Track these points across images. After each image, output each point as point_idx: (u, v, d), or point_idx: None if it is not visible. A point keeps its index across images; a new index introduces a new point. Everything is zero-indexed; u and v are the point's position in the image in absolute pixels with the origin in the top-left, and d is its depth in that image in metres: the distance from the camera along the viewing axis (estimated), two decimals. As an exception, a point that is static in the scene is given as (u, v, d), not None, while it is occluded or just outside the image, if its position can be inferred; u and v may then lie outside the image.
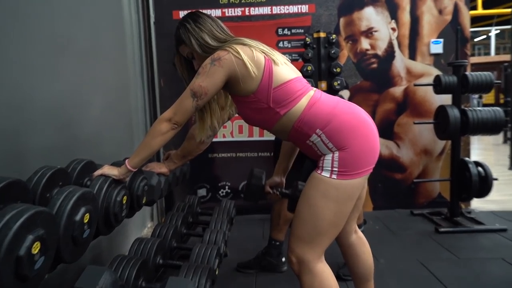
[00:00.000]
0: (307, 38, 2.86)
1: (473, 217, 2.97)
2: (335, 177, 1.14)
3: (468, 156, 3.32)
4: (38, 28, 1.68)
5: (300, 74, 1.31)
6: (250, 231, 2.97)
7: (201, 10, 1.37)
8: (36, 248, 0.78)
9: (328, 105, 1.20)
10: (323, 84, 2.86)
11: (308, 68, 2.80)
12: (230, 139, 3.32)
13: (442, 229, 2.74)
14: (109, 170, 1.22)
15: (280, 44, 3.26)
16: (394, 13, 3.25)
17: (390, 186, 3.35)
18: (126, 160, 1.23)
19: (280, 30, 3.26)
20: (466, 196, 2.91)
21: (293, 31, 3.25)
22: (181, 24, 1.32)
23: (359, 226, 1.89)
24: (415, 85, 3.13)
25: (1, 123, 1.40)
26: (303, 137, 1.21)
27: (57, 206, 0.92)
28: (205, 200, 3.38)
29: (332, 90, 2.85)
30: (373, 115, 3.27)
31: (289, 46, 3.26)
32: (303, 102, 1.20)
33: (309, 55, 2.84)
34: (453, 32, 3.15)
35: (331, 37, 2.85)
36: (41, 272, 0.82)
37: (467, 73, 2.87)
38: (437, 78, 2.91)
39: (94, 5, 2.33)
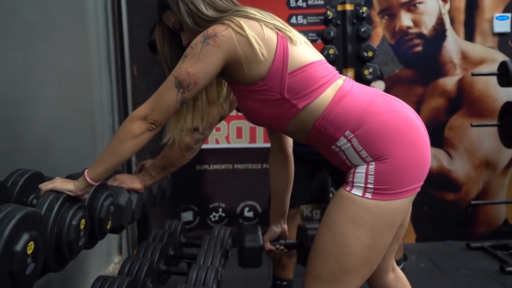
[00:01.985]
0: (328, 12, 2.86)
1: (551, 252, 2.94)
2: (370, 197, 1.12)
3: (545, 170, 3.30)
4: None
5: (323, 58, 1.30)
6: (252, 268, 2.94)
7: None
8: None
9: (362, 100, 1.18)
10: (350, 73, 2.86)
11: (330, 52, 2.80)
12: (226, 145, 3.31)
13: (510, 268, 2.70)
14: (62, 184, 1.21)
15: (293, 20, 3.26)
16: (445, -21, 3.26)
17: (439, 210, 3.33)
18: (86, 171, 1.21)
19: (292, 2, 3.27)
20: (542, 224, 2.89)
21: (309, 2, 3.27)
22: None
23: (398, 263, 1.86)
24: (474, 74, 3.11)
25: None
26: (327, 141, 1.19)
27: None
28: (191, 226, 3.37)
29: (361, 81, 2.85)
30: (416, 115, 3.26)
31: (305, 22, 3.27)
32: (329, 93, 1.18)
33: (331, 35, 2.84)
34: (524, 4, 3.15)
35: (360, 11, 2.85)
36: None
37: (543, 59, 2.86)
38: (503, 65, 2.90)
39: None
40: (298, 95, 1.17)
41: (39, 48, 2.18)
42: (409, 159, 1.13)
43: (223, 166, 3.37)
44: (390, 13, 3.28)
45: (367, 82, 2.81)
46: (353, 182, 1.14)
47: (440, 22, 3.28)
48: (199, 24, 1.23)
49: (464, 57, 3.29)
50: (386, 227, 1.15)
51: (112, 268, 3.03)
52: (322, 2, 3.24)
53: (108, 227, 1.43)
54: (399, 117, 1.16)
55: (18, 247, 0.94)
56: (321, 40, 2.96)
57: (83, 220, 1.22)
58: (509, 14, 3.26)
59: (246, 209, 3.39)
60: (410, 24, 3.28)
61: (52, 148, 2.27)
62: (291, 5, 3.28)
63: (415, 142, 1.15)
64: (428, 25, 3.28)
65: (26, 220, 0.98)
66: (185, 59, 1.17)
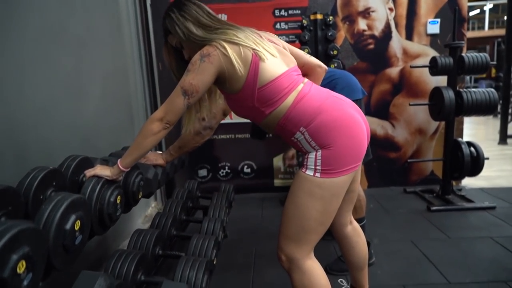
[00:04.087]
0: (304, 20, 2.71)
1: (463, 194, 2.93)
2: (319, 176, 1.06)
3: (461, 135, 3.24)
4: (28, 16, 1.56)
5: (294, 64, 1.21)
6: (249, 210, 2.95)
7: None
8: (21, 268, 0.72)
9: (315, 101, 1.10)
10: (320, 67, 2.75)
11: (305, 51, 2.67)
12: (229, 121, 3.22)
13: (434, 208, 2.70)
14: (101, 170, 1.15)
15: (277, 26, 3.10)
16: (391, -8, 3.07)
17: (385, 164, 3.29)
18: (119, 160, 1.15)
19: (277, 11, 3.10)
20: (458, 175, 2.86)
21: (290, 12, 3.09)
22: (166, 13, 1.20)
23: (360, 221, 1.83)
24: (412, 67, 3.00)
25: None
26: (287, 134, 1.13)
27: (45, 217, 0.86)
28: (206, 180, 3.34)
29: (328, 73, 2.75)
30: (369, 96, 3.17)
31: (286, 27, 3.11)
32: (290, 99, 1.11)
33: (306, 38, 2.71)
34: (450, 12, 3.00)
35: (328, 19, 2.70)
36: (31, 286, 0.77)
37: (463, 54, 2.74)
38: (433, 60, 2.79)
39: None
40: (265, 104, 1.11)
41: (85, 55, 2.07)
42: (348, 147, 1.07)
43: (228, 136, 3.30)
44: (350, 20, 3.12)
45: (333, 74, 2.71)
46: (306, 165, 1.09)
47: (387, 26, 3.12)
48: (193, 42, 1.15)
49: (405, 52, 3.15)
50: (333, 197, 1.10)
51: (151, 210, 3.02)
52: (299, 12, 3.07)
53: (140, 197, 1.39)
54: (342, 115, 1.09)
55: (68, 226, 0.90)
56: (298, 41, 2.82)
57: (119, 196, 1.17)
58: (438, 19, 3.10)
59: (245, 166, 3.35)
60: (365, 27, 3.12)
61: (100, 129, 2.20)
62: (276, 15, 3.10)
63: (353, 134, 1.09)
64: (378, 28, 3.12)
65: (73, 205, 0.93)
66: (188, 73, 1.09)
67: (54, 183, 1.17)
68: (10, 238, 0.70)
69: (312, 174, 1.07)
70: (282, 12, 3.10)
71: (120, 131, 2.55)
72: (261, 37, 1.19)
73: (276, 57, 1.14)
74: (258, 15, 3.08)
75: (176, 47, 1.24)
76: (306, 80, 1.19)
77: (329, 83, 1.77)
